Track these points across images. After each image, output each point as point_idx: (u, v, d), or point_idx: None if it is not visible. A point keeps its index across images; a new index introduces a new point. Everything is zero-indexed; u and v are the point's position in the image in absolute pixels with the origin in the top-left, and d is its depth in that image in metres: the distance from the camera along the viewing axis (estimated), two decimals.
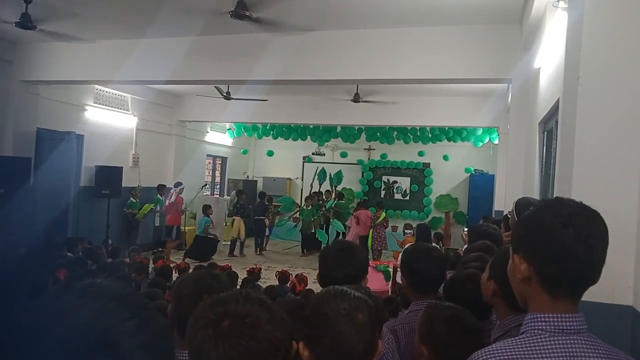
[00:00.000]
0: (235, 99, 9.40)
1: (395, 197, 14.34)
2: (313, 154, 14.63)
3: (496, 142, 11.05)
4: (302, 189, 14.40)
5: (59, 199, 8.40)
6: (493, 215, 7.44)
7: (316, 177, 12.10)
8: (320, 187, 12.39)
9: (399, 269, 6.48)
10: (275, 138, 13.68)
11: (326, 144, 14.04)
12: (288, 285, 5.86)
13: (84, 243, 7.01)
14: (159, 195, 10.80)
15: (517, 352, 1.06)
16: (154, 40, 6.88)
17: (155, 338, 0.64)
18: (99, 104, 9.70)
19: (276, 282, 6.07)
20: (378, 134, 12.83)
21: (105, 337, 0.59)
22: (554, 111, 3.64)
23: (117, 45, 7.14)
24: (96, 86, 9.46)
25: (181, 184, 10.80)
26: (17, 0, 5.19)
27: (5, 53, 7.68)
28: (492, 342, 1.52)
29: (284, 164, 15.21)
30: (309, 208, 11.80)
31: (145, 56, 6.94)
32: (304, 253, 11.95)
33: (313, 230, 11.69)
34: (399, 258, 6.41)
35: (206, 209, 10.82)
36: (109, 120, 9.99)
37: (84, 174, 9.25)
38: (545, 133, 4.41)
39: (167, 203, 10.37)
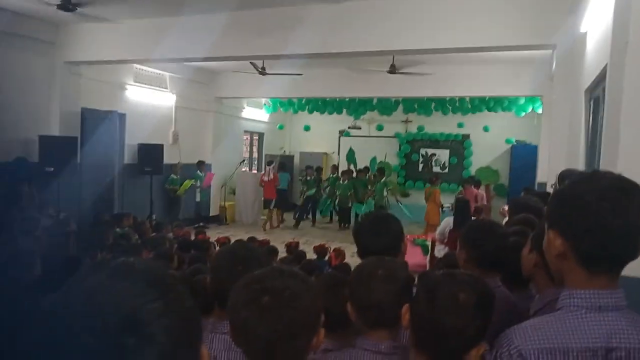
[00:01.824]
0: (270, 74, 9.40)
1: (434, 170, 14.13)
2: (349, 127, 14.55)
3: (540, 111, 10.66)
4: (338, 163, 14.40)
5: (104, 176, 8.72)
6: (536, 188, 7.24)
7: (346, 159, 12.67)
8: (349, 166, 12.57)
9: (437, 243, 6.45)
10: (310, 112, 13.63)
11: (362, 117, 13.90)
12: (326, 259, 5.92)
13: (130, 218, 7.29)
14: (198, 171, 11.07)
15: (554, 329, 1.05)
16: (190, 17, 6.92)
17: (182, 320, 0.65)
18: (139, 82, 9.91)
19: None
20: (415, 105, 12.58)
21: (131, 317, 0.60)
22: (601, 78, 3.47)
23: (154, 24, 7.23)
24: (135, 65, 9.64)
25: (272, 162, 12.40)
26: None
27: (48, 35, 7.91)
28: (531, 316, 1.52)
29: (320, 138, 15.20)
30: (346, 182, 11.81)
31: (182, 34, 7.00)
32: (341, 227, 12.02)
33: (350, 205, 11.71)
34: (438, 232, 6.37)
35: (283, 166, 12.59)
36: (149, 98, 10.20)
37: (127, 151, 9.53)
38: (592, 101, 4.21)
39: (266, 179, 11.62)
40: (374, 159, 12.55)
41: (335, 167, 13.12)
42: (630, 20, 1.86)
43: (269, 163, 12.43)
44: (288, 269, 1.23)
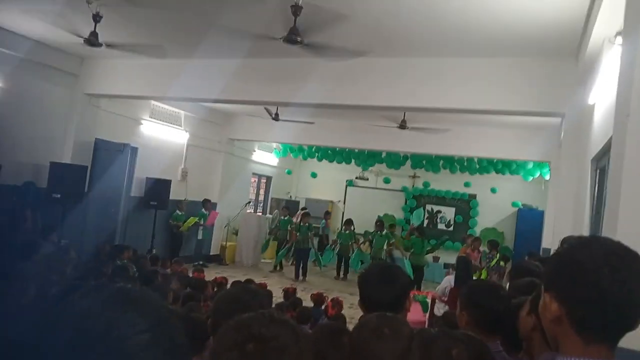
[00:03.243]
0: (283, 120, 9.58)
1: (439, 227, 14.06)
2: (356, 178, 14.63)
3: (547, 177, 10.70)
4: (343, 212, 14.38)
5: (109, 207, 8.76)
6: (541, 253, 7.17)
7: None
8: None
9: (437, 300, 6.34)
10: (320, 160, 13.78)
11: (370, 168, 14.01)
12: (322, 307, 5.82)
13: (130, 251, 7.25)
14: (203, 210, 11.09)
15: None
16: (205, 60, 7.18)
17: (168, 356, 0.63)
18: (154, 118, 10.13)
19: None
20: (424, 161, 12.70)
21: (117, 346, 0.59)
22: (607, 149, 3.51)
23: (172, 64, 7.48)
24: (152, 102, 9.89)
25: (306, 209, 12.52)
26: (86, 18, 5.55)
27: (71, 67, 8.19)
28: None
29: (327, 186, 15.27)
30: (347, 232, 11.76)
31: (198, 75, 7.24)
32: (338, 276, 11.88)
33: (350, 254, 11.64)
34: (439, 289, 6.27)
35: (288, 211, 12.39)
36: (162, 134, 10.39)
37: (135, 184, 9.61)
38: (598, 171, 4.24)
39: (296, 220, 11.55)
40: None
41: (350, 222, 12.16)
42: (632, 94, 1.92)
43: (302, 209, 12.68)
44: (279, 317, 1.17)
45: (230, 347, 1.07)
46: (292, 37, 4.86)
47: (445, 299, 5.98)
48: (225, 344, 1.09)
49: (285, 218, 12.11)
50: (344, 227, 12.12)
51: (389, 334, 1.46)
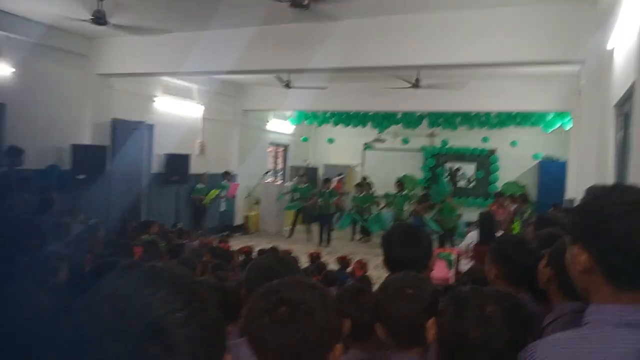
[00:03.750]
0: (295, 87, 9.50)
1: (459, 185, 13.98)
2: (374, 140, 14.54)
3: (568, 127, 10.48)
4: (362, 176, 14.37)
5: (132, 185, 8.92)
6: (564, 205, 7.11)
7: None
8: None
9: (462, 257, 6.36)
10: (335, 125, 13.69)
11: (387, 130, 13.88)
12: (348, 270, 5.91)
13: (156, 226, 7.41)
14: (224, 182, 11.21)
15: (579, 344, 1.03)
16: (216, 32, 7.07)
17: (205, 331, 0.64)
18: (167, 94, 10.13)
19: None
20: (440, 120, 12.52)
21: (154, 326, 0.60)
22: (630, 94, 3.42)
23: (182, 38, 7.41)
24: (164, 77, 9.87)
25: (342, 174, 13.18)
26: None
27: (81, 48, 8.18)
28: (544, 327, 1.53)
29: (344, 151, 15.22)
30: (361, 195, 11.77)
31: (209, 47, 7.16)
32: (353, 238, 12.03)
33: (365, 217, 11.71)
34: (462, 246, 6.30)
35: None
36: (177, 110, 10.40)
37: (155, 161, 9.73)
38: (621, 117, 4.14)
39: (331, 186, 11.78)
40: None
41: (362, 185, 12.18)
42: None
43: (338, 175, 13.27)
44: (308, 281, 1.21)
45: (261, 314, 1.11)
46: (298, 1, 4.76)
47: (471, 255, 6.00)
48: (256, 310, 1.13)
49: (304, 186, 12.03)
50: (355, 190, 12.09)
51: (412, 294, 1.49)
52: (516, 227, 8.63)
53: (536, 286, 1.83)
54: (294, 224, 12.06)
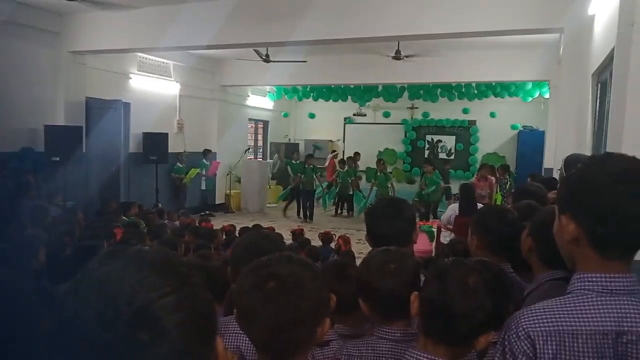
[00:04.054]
0: (274, 61, 9.35)
1: (440, 157, 14.09)
2: (354, 114, 14.49)
3: (547, 96, 10.56)
4: (343, 151, 14.36)
5: (110, 165, 8.75)
6: (542, 174, 7.20)
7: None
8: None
9: (443, 229, 6.44)
10: (315, 100, 13.59)
11: (367, 104, 13.83)
12: (332, 246, 5.94)
13: (136, 207, 7.31)
14: (204, 160, 11.09)
15: (563, 312, 1.04)
16: (193, 5, 6.87)
17: (195, 314, 0.63)
18: (143, 71, 9.89)
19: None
20: (421, 91, 12.50)
21: (143, 311, 0.59)
22: (608, 61, 3.42)
23: (157, 12, 7.19)
24: (139, 54, 9.62)
25: (335, 151, 13.22)
26: None
27: (52, 25, 7.88)
28: (525, 296, 1.57)
29: (325, 126, 15.16)
30: (345, 170, 11.79)
31: (185, 22, 6.96)
32: (336, 214, 12.07)
33: (350, 193, 11.76)
34: (443, 218, 6.36)
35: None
36: (153, 87, 10.18)
37: (132, 140, 9.55)
38: (599, 85, 4.17)
39: (326, 164, 12.35)
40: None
41: (345, 161, 12.22)
42: (637, 2, 1.83)
43: (332, 152, 13.50)
44: (296, 256, 1.22)
45: (251, 288, 1.13)
46: None
47: (451, 227, 6.06)
48: (246, 286, 1.14)
49: (298, 162, 11.82)
50: (339, 166, 12.12)
51: (395, 269, 1.49)
52: (498, 198, 8.73)
53: (517, 257, 1.85)
54: (289, 202, 11.96)
